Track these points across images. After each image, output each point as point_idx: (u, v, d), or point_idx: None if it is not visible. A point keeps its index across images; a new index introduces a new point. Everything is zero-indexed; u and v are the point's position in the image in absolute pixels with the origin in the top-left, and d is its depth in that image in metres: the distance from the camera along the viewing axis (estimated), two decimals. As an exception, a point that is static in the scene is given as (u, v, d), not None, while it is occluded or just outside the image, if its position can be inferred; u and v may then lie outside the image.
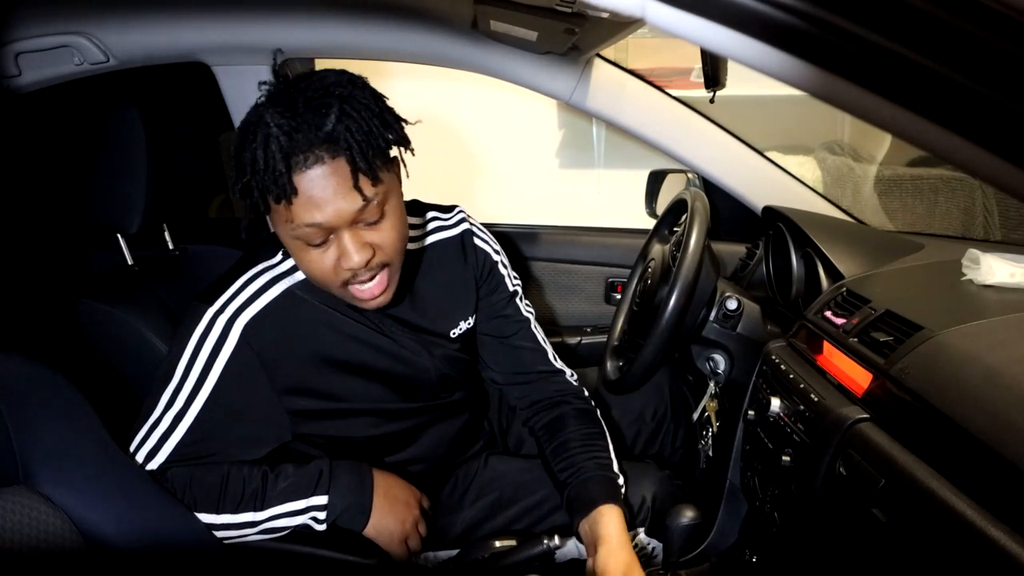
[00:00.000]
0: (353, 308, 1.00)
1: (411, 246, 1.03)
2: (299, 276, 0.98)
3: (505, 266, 1.16)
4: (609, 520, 0.97)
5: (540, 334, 1.18)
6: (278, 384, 0.98)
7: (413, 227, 1.07)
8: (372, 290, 0.91)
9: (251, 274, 0.97)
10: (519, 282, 1.18)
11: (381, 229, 0.88)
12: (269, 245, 1.01)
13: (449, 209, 1.15)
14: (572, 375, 1.18)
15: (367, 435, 1.06)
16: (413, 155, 0.91)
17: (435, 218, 1.13)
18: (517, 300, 1.16)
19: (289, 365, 0.97)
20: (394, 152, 0.90)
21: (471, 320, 1.12)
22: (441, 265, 1.10)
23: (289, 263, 0.99)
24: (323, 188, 0.82)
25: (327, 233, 0.85)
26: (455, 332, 1.10)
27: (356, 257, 0.86)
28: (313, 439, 1.05)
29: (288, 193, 0.81)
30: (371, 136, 0.83)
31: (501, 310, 1.15)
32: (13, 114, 1.38)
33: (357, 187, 0.83)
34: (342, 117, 0.81)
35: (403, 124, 0.89)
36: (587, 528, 0.99)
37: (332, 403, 1.02)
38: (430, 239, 1.10)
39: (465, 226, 1.13)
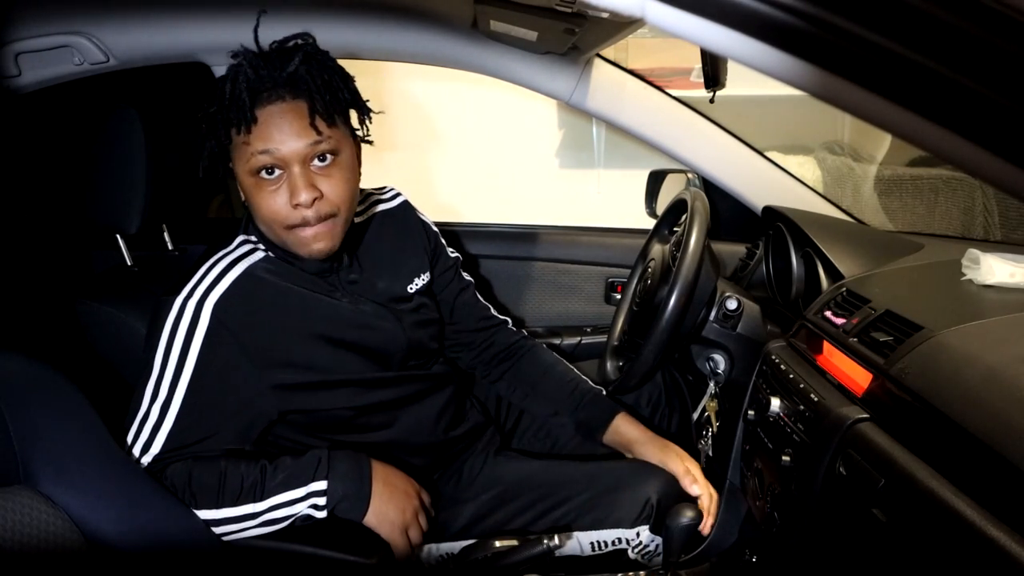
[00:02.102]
0: (315, 279, 1.05)
1: (356, 219, 1.11)
2: (256, 257, 1.04)
3: (442, 238, 1.28)
4: (625, 427, 1.21)
5: (480, 296, 1.33)
6: (256, 359, 1.00)
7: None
8: (316, 231, 0.97)
9: (211, 262, 1.02)
10: (456, 255, 1.31)
11: (331, 177, 0.96)
12: (224, 241, 1.07)
13: (382, 189, 1.26)
14: (509, 321, 1.35)
15: (349, 406, 1.08)
16: (371, 122, 1.02)
17: (372, 194, 1.23)
18: (459, 267, 1.30)
19: (264, 339, 1.00)
20: (355, 123, 1.01)
21: (425, 277, 1.20)
22: (387, 231, 1.18)
23: (245, 248, 1.04)
24: (280, 122, 0.91)
25: (279, 163, 0.93)
26: (412, 288, 1.17)
27: (304, 194, 0.93)
28: (297, 417, 1.06)
29: (248, 121, 0.90)
30: (330, 85, 0.94)
31: (450, 279, 1.27)
32: (13, 114, 1.38)
33: (313, 125, 0.92)
34: (305, 62, 0.92)
35: (360, 96, 1.00)
36: (612, 440, 1.22)
37: (312, 374, 1.04)
38: (372, 210, 1.20)
39: (403, 199, 1.25)
